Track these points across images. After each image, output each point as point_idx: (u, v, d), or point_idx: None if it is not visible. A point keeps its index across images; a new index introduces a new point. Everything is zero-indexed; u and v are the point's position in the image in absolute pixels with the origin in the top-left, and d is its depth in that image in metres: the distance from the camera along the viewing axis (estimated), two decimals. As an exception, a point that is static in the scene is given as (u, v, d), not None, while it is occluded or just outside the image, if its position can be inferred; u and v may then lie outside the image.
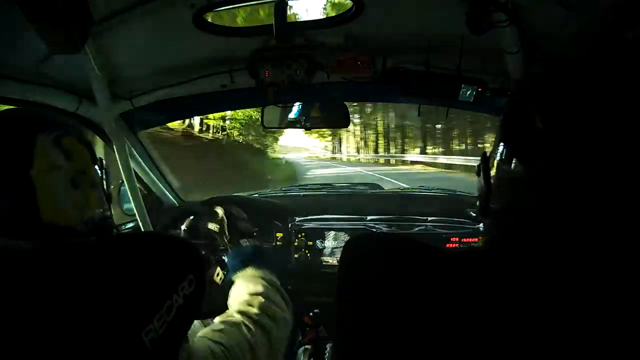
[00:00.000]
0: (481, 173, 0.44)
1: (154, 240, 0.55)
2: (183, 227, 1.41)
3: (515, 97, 0.40)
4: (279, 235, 1.46)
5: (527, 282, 0.33)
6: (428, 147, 24.33)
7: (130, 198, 1.42)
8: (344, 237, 1.42)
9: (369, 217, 1.48)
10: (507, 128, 0.39)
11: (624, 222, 0.30)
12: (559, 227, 0.33)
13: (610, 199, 0.31)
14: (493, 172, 0.41)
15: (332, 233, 1.44)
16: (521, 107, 0.37)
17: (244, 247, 0.98)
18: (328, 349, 1.28)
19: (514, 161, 0.37)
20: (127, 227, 1.52)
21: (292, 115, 1.35)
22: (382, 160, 24.69)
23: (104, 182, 0.59)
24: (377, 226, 1.42)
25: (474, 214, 1.45)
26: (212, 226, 1.39)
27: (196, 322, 1.12)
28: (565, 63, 0.37)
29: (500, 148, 0.39)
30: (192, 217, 1.41)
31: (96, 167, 0.57)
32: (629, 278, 0.30)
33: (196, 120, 12.88)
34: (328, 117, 1.33)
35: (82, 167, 0.53)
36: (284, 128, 1.33)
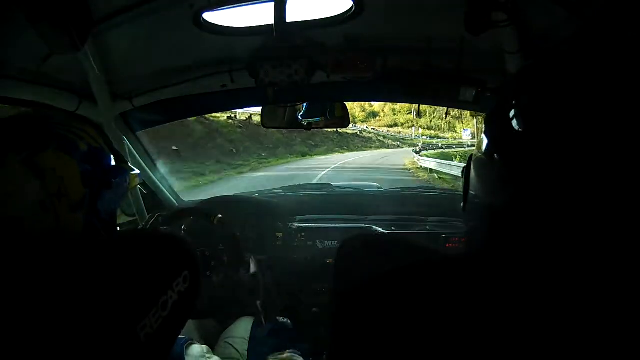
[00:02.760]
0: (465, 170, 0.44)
1: (150, 236, 0.55)
2: (182, 226, 1.41)
3: (499, 95, 0.40)
4: (279, 235, 1.46)
5: (513, 283, 0.33)
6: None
7: (130, 198, 1.42)
8: (344, 237, 1.42)
9: (368, 217, 1.48)
10: (489, 126, 0.39)
11: (604, 220, 0.30)
12: (538, 228, 0.33)
13: (590, 198, 0.30)
14: (478, 170, 0.41)
15: (332, 233, 1.44)
16: (502, 105, 0.37)
17: (281, 324, 0.98)
18: None
19: (495, 160, 0.37)
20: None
21: (292, 114, 1.36)
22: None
23: (102, 202, 0.53)
24: (377, 226, 1.42)
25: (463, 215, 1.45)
26: (212, 226, 1.39)
27: (190, 322, 1.12)
28: (545, 60, 0.37)
29: (484, 146, 0.39)
30: (191, 217, 1.41)
31: (82, 186, 0.49)
32: (613, 277, 0.30)
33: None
34: (328, 117, 1.33)
35: (58, 187, 0.47)
36: (284, 128, 1.34)
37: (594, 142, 0.30)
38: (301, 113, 1.34)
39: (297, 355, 0.86)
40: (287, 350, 0.87)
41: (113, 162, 0.56)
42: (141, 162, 1.42)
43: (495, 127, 0.37)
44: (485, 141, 0.38)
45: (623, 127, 0.29)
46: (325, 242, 1.43)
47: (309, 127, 1.38)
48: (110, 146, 0.57)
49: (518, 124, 0.34)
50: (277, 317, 1.01)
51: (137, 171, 0.60)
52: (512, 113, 0.35)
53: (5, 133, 0.48)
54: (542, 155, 0.32)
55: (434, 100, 1.18)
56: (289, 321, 0.99)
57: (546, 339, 0.30)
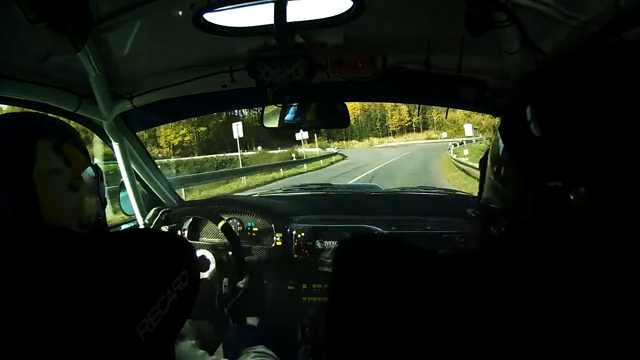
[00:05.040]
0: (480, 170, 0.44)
1: (149, 236, 0.56)
2: (182, 226, 1.41)
3: (513, 100, 0.40)
4: (279, 235, 1.46)
5: (520, 286, 0.33)
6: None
7: (131, 198, 1.43)
8: (344, 237, 1.42)
9: (369, 217, 1.48)
10: (505, 131, 0.39)
11: (616, 224, 0.30)
12: (553, 232, 0.33)
13: (604, 202, 0.30)
14: (492, 171, 0.41)
15: (332, 233, 1.44)
16: (518, 110, 0.37)
17: (249, 325, 1.02)
18: None
19: (511, 164, 0.37)
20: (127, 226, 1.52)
21: (292, 115, 1.35)
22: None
23: (99, 189, 0.60)
24: (377, 226, 1.42)
25: (474, 215, 1.45)
26: (212, 226, 1.39)
27: (187, 324, 1.12)
28: (561, 64, 0.37)
29: (500, 150, 0.39)
30: (191, 217, 1.41)
31: (91, 173, 0.58)
32: (627, 281, 0.30)
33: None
34: (328, 117, 1.33)
35: (79, 173, 0.55)
36: (284, 128, 1.34)
37: (612, 146, 0.30)
38: (287, 116, 1.32)
39: (269, 350, 0.89)
40: (260, 345, 0.90)
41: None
42: (141, 161, 1.43)
43: (511, 132, 0.37)
44: (501, 145, 0.38)
45: None
46: (325, 242, 1.43)
47: (308, 127, 1.38)
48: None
49: (536, 129, 0.34)
50: (246, 319, 1.05)
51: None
52: (528, 117, 0.34)
53: (32, 122, 0.54)
54: (562, 160, 0.32)
55: (434, 100, 1.18)
56: (255, 324, 1.05)
57: (547, 340, 0.30)
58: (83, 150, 0.57)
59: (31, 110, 0.99)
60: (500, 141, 0.39)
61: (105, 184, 0.64)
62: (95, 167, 0.60)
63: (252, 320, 1.20)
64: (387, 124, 56.39)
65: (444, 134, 40.55)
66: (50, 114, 1.03)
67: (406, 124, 55.64)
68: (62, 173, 0.52)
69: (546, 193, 0.33)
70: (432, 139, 40.92)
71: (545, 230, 0.34)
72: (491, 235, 0.42)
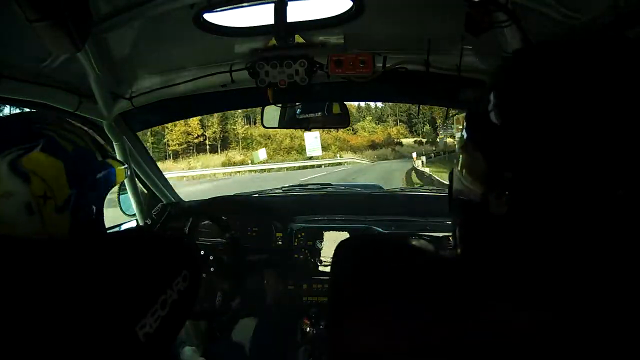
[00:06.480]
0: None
1: (150, 236, 0.56)
2: (183, 226, 1.41)
3: (481, 90, 0.40)
4: (279, 235, 1.46)
5: (497, 281, 0.33)
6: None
7: (131, 198, 1.43)
8: (344, 237, 1.42)
9: (368, 218, 1.48)
10: (469, 121, 0.39)
11: (585, 213, 0.30)
12: (516, 223, 0.33)
13: (565, 199, 0.30)
14: (458, 166, 0.40)
15: (332, 233, 1.44)
16: (481, 100, 0.37)
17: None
18: None
19: (474, 154, 0.36)
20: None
21: (291, 115, 1.36)
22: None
23: (94, 198, 0.53)
24: (377, 226, 1.42)
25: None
26: (212, 226, 1.39)
27: (187, 324, 1.12)
28: (527, 55, 0.37)
29: (464, 140, 0.39)
30: (192, 217, 1.41)
31: (71, 184, 0.50)
32: (599, 270, 0.30)
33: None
34: (328, 117, 1.33)
35: (44, 190, 0.47)
36: (284, 128, 1.34)
37: (568, 136, 0.30)
38: (299, 110, 1.34)
39: None
40: None
41: (99, 158, 0.55)
42: (141, 161, 1.43)
43: (473, 122, 0.37)
44: (465, 136, 0.38)
45: (598, 120, 0.29)
46: (325, 242, 1.43)
47: (308, 127, 1.38)
48: (97, 143, 0.56)
49: (495, 117, 0.34)
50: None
51: (124, 165, 0.59)
52: (489, 106, 0.35)
53: None
54: (519, 148, 0.32)
55: (434, 100, 1.19)
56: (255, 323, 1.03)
57: (544, 340, 0.30)
58: (66, 157, 0.50)
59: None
60: (465, 133, 0.39)
61: (107, 188, 0.56)
62: (93, 170, 0.53)
63: (251, 320, 1.20)
64: (165, 140, 32.52)
65: (261, 154, 20.67)
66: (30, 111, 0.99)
67: (195, 140, 33.77)
68: (15, 195, 0.46)
69: (505, 183, 0.33)
70: (238, 164, 24.61)
71: (516, 222, 0.34)
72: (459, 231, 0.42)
